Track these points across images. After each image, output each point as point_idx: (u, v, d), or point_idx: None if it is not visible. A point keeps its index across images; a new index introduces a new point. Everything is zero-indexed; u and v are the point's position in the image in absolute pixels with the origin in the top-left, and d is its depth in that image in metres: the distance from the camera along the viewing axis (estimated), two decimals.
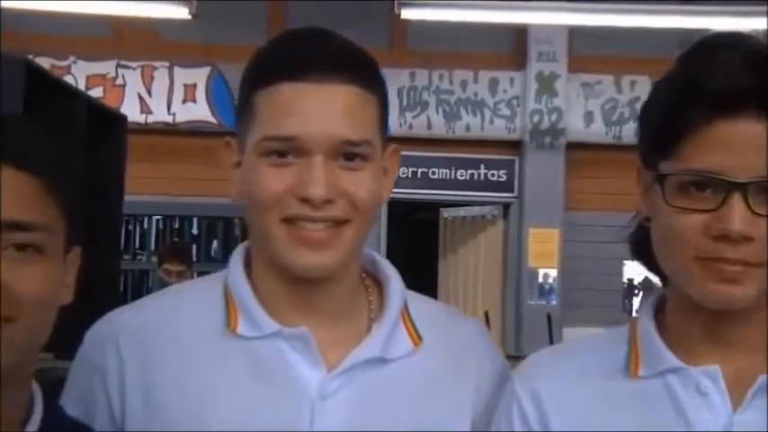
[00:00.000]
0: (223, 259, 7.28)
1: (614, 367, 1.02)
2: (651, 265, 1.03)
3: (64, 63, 6.41)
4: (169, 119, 6.61)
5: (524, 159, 6.68)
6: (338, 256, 1.02)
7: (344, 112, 1.01)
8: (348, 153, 1.01)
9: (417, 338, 1.09)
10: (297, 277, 1.04)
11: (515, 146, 6.74)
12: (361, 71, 1.03)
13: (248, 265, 1.10)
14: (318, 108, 1.00)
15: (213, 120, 6.60)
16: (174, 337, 1.06)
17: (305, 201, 1.00)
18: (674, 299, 1.02)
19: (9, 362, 0.84)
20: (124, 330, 1.07)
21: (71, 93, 2.78)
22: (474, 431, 1.09)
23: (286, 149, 1.01)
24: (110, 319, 1.11)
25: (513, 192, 6.77)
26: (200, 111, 6.60)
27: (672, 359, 0.98)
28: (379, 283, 1.13)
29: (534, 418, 1.02)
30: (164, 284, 4.92)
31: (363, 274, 1.13)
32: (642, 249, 1.04)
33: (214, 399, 1.02)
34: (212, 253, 7.39)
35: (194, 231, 7.39)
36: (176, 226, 7.37)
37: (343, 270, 1.06)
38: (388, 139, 1.09)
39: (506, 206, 6.85)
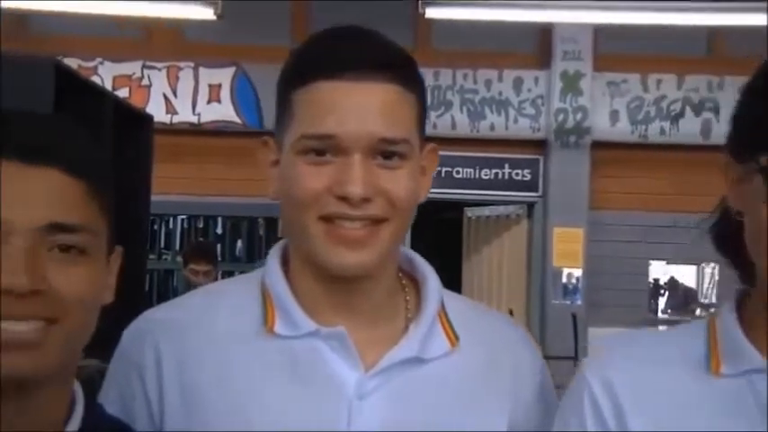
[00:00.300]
0: (247, 259, 7.32)
1: (692, 363, 0.96)
2: (736, 259, 0.98)
3: (90, 64, 6.47)
4: (194, 119, 6.65)
5: (549, 159, 6.65)
6: (376, 255, 1.02)
7: (382, 111, 1.00)
8: (386, 151, 1.01)
9: (454, 338, 1.08)
10: (334, 276, 1.03)
11: (540, 145, 6.72)
12: (400, 69, 1.03)
13: (285, 263, 1.10)
14: (356, 106, 1.00)
15: (238, 120, 6.63)
16: (212, 336, 1.06)
17: (343, 199, 0.99)
18: (760, 297, 0.94)
19: (53, 362, 0.84)
20: (162, 328, 1.07)
21: (99, 93, 2.80)
22: (513, 429, 1.08)
23: (324, 148, 1.00)
24: (148, 317, 1.11)
25: (537, 191, 6.75)
26: (224, 111, 6.63)
27: (757, 358, 0.93)
28: (415, 283, 1.13)
29: (607, 407, 0.96)
30: (189, 284, 4.94)
31: (400, 273, 1.12)
32: (727, 243, 1.00)
33: (251, 397, 1.02)
34: (237, 252, 7.42)
35: (219, 231, 7.43)
36: (201, 226, 7.41)
37: (380, 269, 1.05)
38: (426, 139, 1.09)
39: (531, 205, 6.82)
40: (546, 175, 6.69)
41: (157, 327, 1.08)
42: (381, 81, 1.01)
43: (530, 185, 6.77)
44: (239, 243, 7.45)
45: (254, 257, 7.33)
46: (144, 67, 6.63)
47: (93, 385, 1.11)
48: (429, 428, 1.03)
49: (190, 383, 1.04)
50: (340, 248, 1.01)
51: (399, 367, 1.04)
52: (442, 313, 1.09)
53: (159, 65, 6.64)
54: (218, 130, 6.64)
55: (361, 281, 1.05)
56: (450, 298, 1.13)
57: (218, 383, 1.03)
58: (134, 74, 6.62)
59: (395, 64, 1.03)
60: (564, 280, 6.61)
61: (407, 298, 1.11)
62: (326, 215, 1.01)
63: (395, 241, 1.05)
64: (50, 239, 0.84)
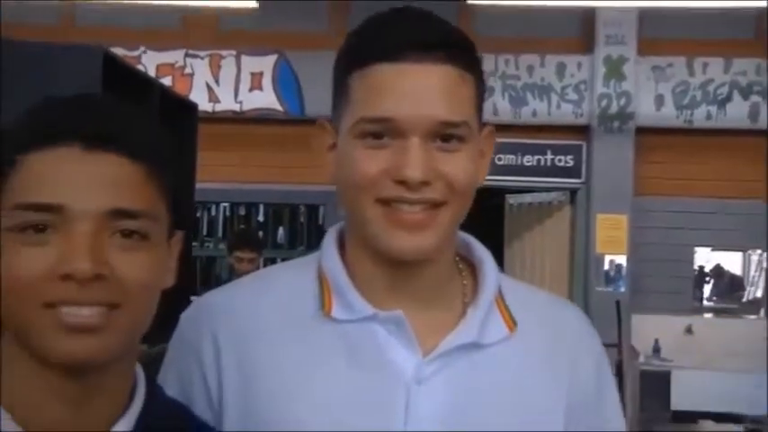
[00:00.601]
0: (289, 246, 7.36)
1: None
2: None
3: (134, 53, 6.53)
4: (236, 107, 6.69)
5: (592, 144, 6.59)
6: (434, 239, 1.01)
7: (441, 93, 0.99)
8: (445, 134, 0.99)
9: (512, 323, 1.07)
10: (392, 260, 1.02)
11: (583, 131, 6.65)
12: (459, 51, 1.01)
13: (341, 247, 1.10)
14: (414, 89, 0.98)
15: (280, 107, 6.65)
16: (269, 319, 1.06)
17: (401, 183, 0.98)
18: None
19: (115, 346, 0.85)
20: (219, 313, 1.08)
21: (146, 81, 2.82)
22: (569, 416, 1.07)
23: (381, 131, 0.99)
24: (205, 301, 1.12)
25: (580, 177, 6.69)
26: (266, 99, 6.66)
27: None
28: (472, 267, 1.12)
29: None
30: (233, 271, 4.99)
31: (457, 258, 1.11)
32: None
33: (309, 382, 1.02)
34: (278, 240, 7.47)
35: (260, 218, 7.48)
36: (243, 213, 7.46)
37: (438, 253, 1.04)
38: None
39: (573, 192, 6.76)
40: (589, 162, 6.63)
41: (215, 311, 1.08)
42: (441, 63, 0.99)
43: (572, 172, 6.71)
44: (281, 230, 7.50)
45: (295, 244, 7.37)
46: (186, 55, 6.68)
47: (148, 369, 1.12)
48: (487, 414, 1.03)
49: (247, 367, 1.04)
50: (398, 232, 1.00)
51: (457, 352, 1.03)
52: (500, 298, 1.09)
53: (201, 53, 6.69)
54: (260, 118, 6.67)
55: (420, 264, 1.04)
56: (508, 282, 1.12)
57: (274, 367, 1.03)
58: (177, 62, 6.67)
59: (454, 45, 1.01)
60: (606, 267, 6.55)
61: (465, 282, 1.10)
62: (384, 199, 1.00)
63: (453, 225, 1.04)
64: (112, 225, 0.84)
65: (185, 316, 1.11)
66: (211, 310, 1.09)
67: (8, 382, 0.87)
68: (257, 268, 4.89)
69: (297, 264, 1.15)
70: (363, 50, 1.02)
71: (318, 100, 6.42)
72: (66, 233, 0.83)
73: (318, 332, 1.04)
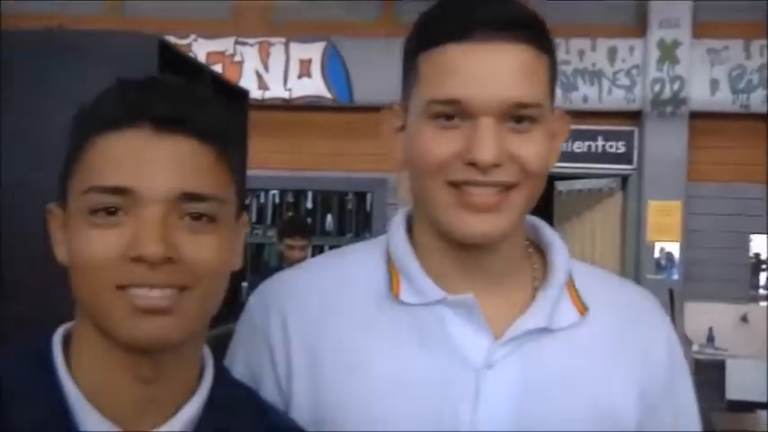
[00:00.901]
0: (338, 233, 7.38)
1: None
2: None
3: (185, 41, 6.59)
4: (285, 94, 6.71)
5: (644, 130, 6.49)
6: (506, 222, 0.99)
7: (514, 73, 0.96)
8: (517, 116, 0.97)
9: (583, 307, 1.05)
10: (462, 243, 1.01)
11: (635, 116, 6.55)
12: (532, 30, 0.99)
13: (409, 230, 1.09)
14: (486, 69, 0.96)
15: (328, 95, 6.65)
16: (337, 302, 1.05)
17: (472, 165, 0.97)
18: None
19: (185, 328, 0.85)
20: (287, 294, 1.08)
21: (198, 68, 2.85)
22: (641, 401, 1.05)
23: (452, 112, 0.97)
24: (273, 283, 1.12)
25: (631, 164, 6.59)
26: (315, 86, 6.67)
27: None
28: (541, 251, 1.10)
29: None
30: (283, 259, 5.01)
31: (526, 242, 1.10)
32: None
33: (377, 365, 1.02)
34: (326, 227, 7.49)
35: (309, 205, 7.50)
36: (291, 200, 7.50)
37: (509, 236, 1.02)
38: None
39: (625, 179, 6.67)
40: (641, 147, 6.53)
41: (283, 292, 1.08)
42: (514, 42, 0.97)
43: (624, 158, 6.62)
44: (329, 217, 7.51)
45: (343, 232, 7.39)
46: (236, 43, 6.71)
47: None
48: (558, 399, 1.01)
49: (315, 350, 1.04)
50: (468, 215, 0.98)
51: (528, 336, 1.02)
52: (570, 282, 1.07)
53: (251, 41, 6.71)
54: (309, 105, 6.68)
55: (490, 247, 1.02)
56: (578, 266, 1.11)
57: (342, 349, 1.03)
58: (226, 50, 6.71)
59: (527, 24, 0.99)
60: (657, 254, 6.45)
61: (534, 266, 1.08)
62: (455, 181, 0.98)
63: (525, 208, 1.02)
64: (182, 208, 0.84)
65: (254, 298, 1.11)
66: (280, 293, 1.08)
67: (81, 362, 0.89)
68: (307, 256, 4.91)
69: (364, 247, 1.14)
70: (433, 30, 1.00)
71: (367, 87, 6.42)
72: (136, 216, 0.83)
73: (387, 315, 1.04)
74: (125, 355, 0.86)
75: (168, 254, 0.82)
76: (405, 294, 1.03)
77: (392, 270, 1.06)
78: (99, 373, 0.88)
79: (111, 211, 0.83)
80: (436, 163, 0.98)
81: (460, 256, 1.03)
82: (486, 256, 1.04)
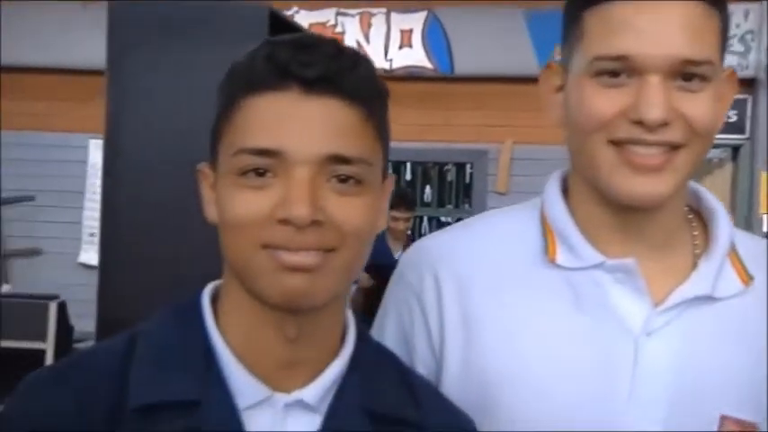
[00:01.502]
0: (438, 204, 7.37)
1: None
2: None
3: (287, 13, 6.64)
4: (386, 65, 6.69)
5: (758, 98, 6.23)
6: (671, 184, 0.96)
7: (685, 29, 0.93)
8: (687, 73, 0.94)
9: (747, 277, 1.01)
10: (623, 205, 0.98)
11: (748, 84, 6.28)
12: None
13: (564, 192, 1.06)
14: (655, 25, 0.93)
15: (429, 65, 6.61)
16: (490, 264, 1.04)
17: (638, 123, 0.93)
18: None
19: (330, 288, 0.86)
20: (441, 256, 1.07)
21: None
22: None
23: (619, 69, 0.94)
24: (425, 244, 1.11)
25: (744, 133, 6.34)
26: (416, 56, 6.63)
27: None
28: (701, 218, 1.06)
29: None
30: (387, 230, 5.03)
31: (686, 207, 1.06)
32: None
33: (532, 328, 1.00)
34: (425, 198, 7.49)
35: (408, 177, 7.51)
36: (390, 171, 7.51)
37: (672, 199, 0.99)
38: None
39: (736, 149, 6.43)
40: (754, 116, 6.27)
41: (436, 254, 1.07)
42: None
43: (735, 127, 6.37)
44: (428, 189, 7.51)
45: (443, 203, 7.37)
46: (338, 14, 6.73)
47: None
48: (720, 370, 0.98)
49: (469, 311, 1.03)
50: (632, 175, 0.95)
51: (690, 304, 0.99)
52: (733, 251, 1.03)
53: (352, 11, 6.71)
54: (410, 76, 6.65)
55: (653, 210, 0.99)
56: (741, 235, 1.06)
57: (496, 312, 1.02)
58: (328, 21, 6.73)
59: None
60: None
61: (695, 233, 1.05)
62: (618, 140, 0.95)
63: (691, 169, 0.98)
64: (329, 170, 0.84)
65: (406, 258, 1.11)
66: (432, 254, 1.08)
67: (229, 321, 0.90)
68: (410, 228, 4.93)
69: (516, 209, 1.12)
70: None
71: (468, 58, 6.35)
72: (285, 178, 0.83)
73: (542, 279, 1.02)
74: (271, 315, 0.87)
75: (315, 216, 0.82)
76: (561, 258, 1.01)
77: (547, 233, 1.04)
78: (246, 331, 0.89)
79: (259, 173, 0.84)
80: (600, 121, 0.95)
81: (619, 219, 1.00)
82: (647, 219, 1.00)
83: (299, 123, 0.83)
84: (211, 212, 0.90)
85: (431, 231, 7.48)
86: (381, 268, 2.36)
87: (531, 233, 1.05)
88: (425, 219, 7.66)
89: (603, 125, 0.95)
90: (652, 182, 0.95)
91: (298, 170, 0.83)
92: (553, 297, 1.01)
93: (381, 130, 0.90)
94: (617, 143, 0.95)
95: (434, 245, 1.10)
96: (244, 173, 0.84)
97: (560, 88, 1.03)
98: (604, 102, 0.95)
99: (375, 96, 0.89)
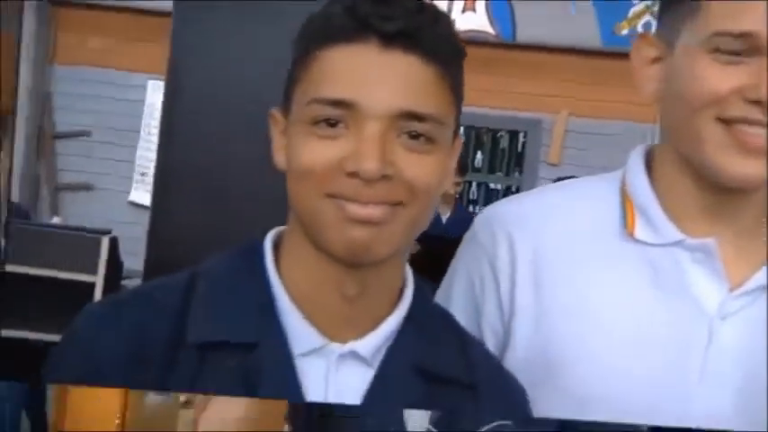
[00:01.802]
0: (489, 171, 7.32)
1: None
2: None
3: None
4: None
5: None
6: None
7: None
8: None
9: None
10: (720, 185, 0.95)
11: None
12: None
13: (648, 165, 1.04)
14: None
15: (491, 30, 6.53)
16: (567, 233, 1.03)
17: (755, 103, 0.90)
18: None
19: (394, 242, 0.86)
20: (516, 220, 1.06)
21: None
22: None
23: (740, 48, 0.91)
24: (500, 208, 1.11)
25: None
26: (478, 21, 6.55)
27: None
28: None
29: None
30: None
31: None
32: None
33: (605, 300, 0.99)
34: (476, 164, 7.43)
35: None
36: None
37: None
38: None
39: None
40: None
41: (511, 218, 1.06)
42: None
43: None
44: (479, 154, 7.46)
45: (494, 170, 7.32)
46: None
47: None
48: None
49: (543, 278, 1.02)
50: (739, 156, 0.92)
51: (763, 291, 0.97)
52: None
53: None
54: (471, 40, 6.58)
55: (745, 194, 0.96)
56: None
57: (571, 282, 1.00)
58: None
59: None
60: None
61: None
62: (729, 118, 0.92)
63: None
64: (401, 125, 0.84)
65: (481, 219, 1.10)
66: (508, 219, 1.06)
67: (290, 267, 0.91)
68: (461, 193, 4.90)
69: (598, 178, 1.10)
70: None
71: (531, 25, 6.26)
72: (356, 130, 0.83)
73: (619, 252, 1.00)
74: (332, 271, 0.87)
75: (384, 171, 0.83)
76: (640, 232, 1.00)
77: (627, 206, 1.02)
78: (305, 279, 0.90)
79: (331, 123, 0.84)
80: (713, 97, 0.92)
81: (708, 198, 0.98)
82: (737, 202, 0.98)
83: (374, 77, 0.83)
84: (280, 158, 0.91)
85: (479, 197, 7.45)
86: (428, 236, 2.35)
87: (610, 205, 1.03)
88: (474, 184, 7.62)
89: (716, 101, 0.92)
90: (759, 164, 0.92)
91: (370, 124, 0.83)
92: (630, 271, 0.99)
93: (456, 90, 0.89)
94: (726, 121, 0.92)
95: (510, 210, 1.09)
96: (316, 122, 0.84)
97: (655, 60, 1.00)
98: (720, 77, 0.92)
99: (453, 55, 0.88)
